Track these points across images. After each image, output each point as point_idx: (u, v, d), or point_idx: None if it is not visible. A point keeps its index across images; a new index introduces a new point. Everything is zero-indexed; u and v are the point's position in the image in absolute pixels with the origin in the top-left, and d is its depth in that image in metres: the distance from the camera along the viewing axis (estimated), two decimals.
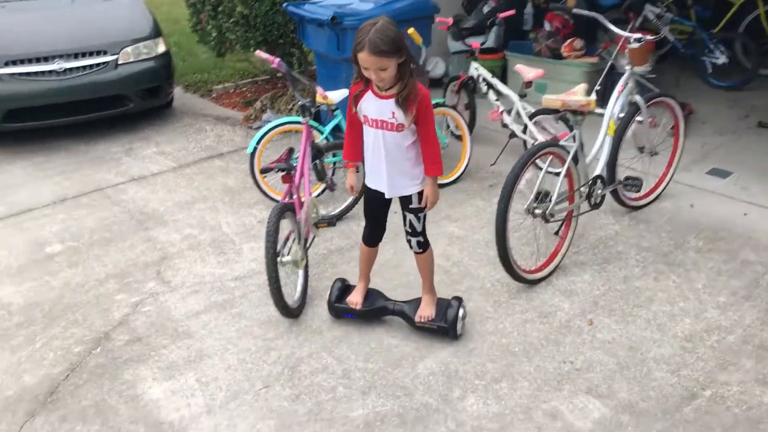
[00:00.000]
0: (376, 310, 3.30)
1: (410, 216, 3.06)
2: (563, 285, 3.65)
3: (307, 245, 3.66)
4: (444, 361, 3.06)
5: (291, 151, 3.69)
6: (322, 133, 4.59)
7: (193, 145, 6.10)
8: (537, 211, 3.58)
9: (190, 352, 3.20)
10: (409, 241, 3.16)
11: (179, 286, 3.78)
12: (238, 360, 3.13)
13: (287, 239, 3.47)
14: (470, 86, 5.50)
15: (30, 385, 3.02)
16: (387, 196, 3.03)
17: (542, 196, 3.62)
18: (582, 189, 3.84)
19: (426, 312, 3.18)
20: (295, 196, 3.54)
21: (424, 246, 3.16)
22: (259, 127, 4.88)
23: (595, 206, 4.01)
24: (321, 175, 4.11)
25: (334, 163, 4.61)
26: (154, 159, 5.78)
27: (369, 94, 2.83)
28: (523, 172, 3.44)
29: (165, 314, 3.52)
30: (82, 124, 6.34)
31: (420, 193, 2.99)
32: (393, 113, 2.78)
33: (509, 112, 5.17)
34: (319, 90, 4.21)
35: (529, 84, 4.95)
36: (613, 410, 2.74)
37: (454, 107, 5.23)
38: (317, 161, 4.00)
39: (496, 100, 5.26)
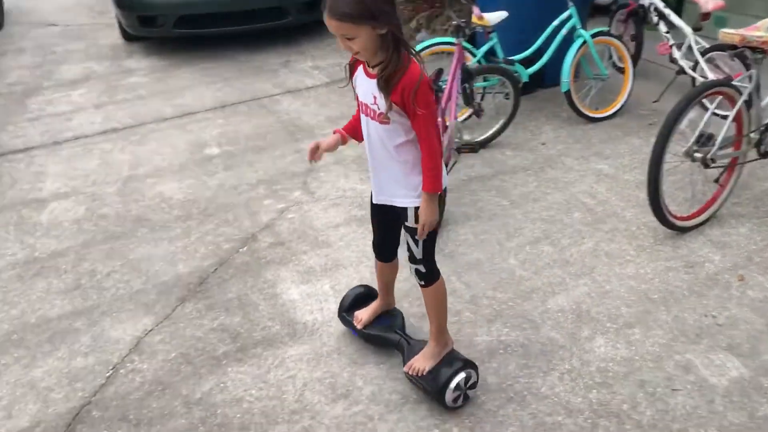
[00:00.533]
0: (375, 337, 2.72)
1: (407, 236, 2.36)
2: (716, 236, 3.41)
3: (448, 169, 3.65)
4: (576, 300, 2.99)
5: (440, 72, 3.63)
6: (474, 55, 4.48)
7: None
8: (697, 155, 3.33)
9: (327, 261, 3.33)
10: (410, 268, 2.45)
11: (322, 197, 3.92)
12: (371, 273, 3.22)
13: None
14: (640, 15, 5.12)
15: (183, 274, 3.29)
16: (374, 201, 2.40)
17: (705, 140, 3.35)
18: (752, 135, 3.52)
19: (419, 364, 2.47)
20: (440, 119, 3.51)
21: (425, 278, 2.41)
22: None
23: (765, 155, 3.67)
24: (469, 100, 4.03)
25: (484, 88, 4.51)
26: (308, 73, 5.93)
27: (361, 69, 2.20)
28: (687, 111, 3.19)
29: (307, 223, 3.67)
30: (244, 35, 6.59)
31: (417, 209, 2.26)
32: (375, 98, 2.12)
33: (680, 46, 4.78)
34: (476, 10, 4.08)
35: (706, 16, 4.53)
36: (754, 371, 2.57)
37: (619, 37, 4.91)
38: (466, 85, 3.92)
39: (667, 32, 4.87)
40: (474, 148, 3.87)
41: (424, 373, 2.44)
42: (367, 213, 3.69)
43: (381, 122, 2.14)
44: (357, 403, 2.50)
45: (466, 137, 4.05)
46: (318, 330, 2.87)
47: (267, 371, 2.67)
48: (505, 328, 2.84)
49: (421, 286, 2.44)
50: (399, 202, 2.29)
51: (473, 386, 2.47)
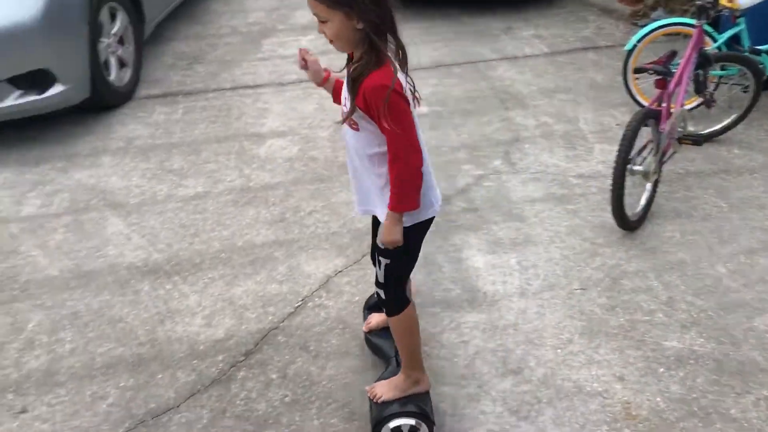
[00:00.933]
0: (372, 345, 2.55)
1: (376, 253, 2.12)
2: None
3: (664, 159, 3.40)
4: None
5: (673, 54, 3.37)
6: (715, 40, 4.10)
7: (570, 33, 5.94)
8: None
9: (517, 234, 3.27)
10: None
11: (523, 170, 3.84)
12: (561, 255, 3.12)
13: (643, 148, 3.26)
14: None
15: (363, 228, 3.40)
16: (356, 211, 2.20)
17: None
18: None
19: (380, 389, 2.24)
20: (664, 105, 3.27)
21: (386, 307, 2.17)
22: (644, 25, 4.53)
23: None
24: (701, 88, 3.71)
25: (720, 78, 4.12)
26: (529, 41, 5.78)
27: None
28: None
29: (503, 193, 3.62)
30: None
31: None
32: (346, 100, 1.93)
33: None
34: None
35: None
36: None
37: None
38: (700, 71, 3.60)
39: None
40: (697, 140, 3.56)
41: (379, 399, 2.22)
42: (568, 192, 3.60)
43: (350, 126, 1.95)
44: (527, 382, 2.45)
45: (691, 128, 3.74)
46: (498, 302, 2.85)
47: (441, 332, 2.70)
48: (701, 338, 2.62)
49: (385, 313, 2.22)
50: (379, 213, 2.05)
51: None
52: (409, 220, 1.99)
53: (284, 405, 2.40)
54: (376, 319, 2.57)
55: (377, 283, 2.15)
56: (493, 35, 5.95)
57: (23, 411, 2.42)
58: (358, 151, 1.99)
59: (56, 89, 4.12)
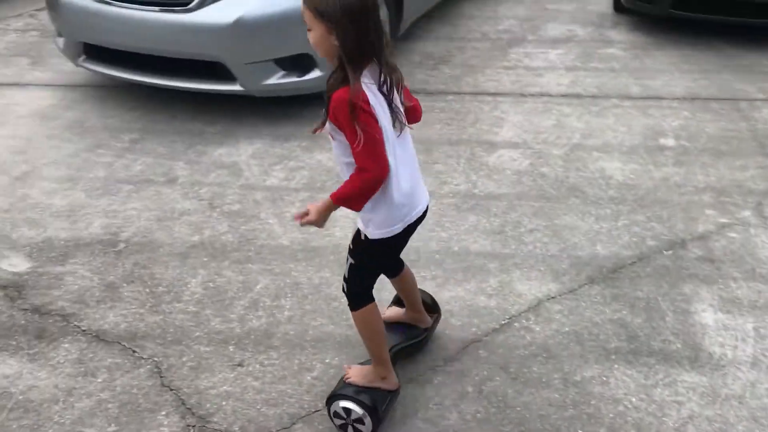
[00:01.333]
0: None
1: (348, 252, 2.28)
2: None
3: None
4: None
5: None
6: None
7: None
8: None
9: (758, 297, 2.94)
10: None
11: None
12: None
13: None
14: None
15: (599, 255, 3.24)
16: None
17: None
18: None
19: (352, 372, 2.38)
20: None
21: (348, 300, 2.31)
22: None
23: None
24: None
25: None
26: None
27: None
28: None
29: (749, 248, 3.27)
30: (737, 28, 6.01)
31: (358, 234, 2.21)
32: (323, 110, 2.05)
33: None
34: None
35: None
36: None
37: None
38: None
39: None
40: None
41: (350, 381, 2.35)
42: None
43: (329, 135, 2.06)
44: None
45: None
46: (724, 368, 2.58)
47: (654, 385, 2.51)
48: None
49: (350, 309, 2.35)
50: (358, 222, 2.22)
51: (359, 422, 2.29)
52: (377, 233, 2.13)
53: (476, 420, 2.38)
54: (393, 312, 2.71)
55: (344, 278, 2.30)
56: (763, 73, 5.39)
57: (240, 365, 2.64)
58: (336, 158, 2.14)
59: (314, 74, 4.43)
